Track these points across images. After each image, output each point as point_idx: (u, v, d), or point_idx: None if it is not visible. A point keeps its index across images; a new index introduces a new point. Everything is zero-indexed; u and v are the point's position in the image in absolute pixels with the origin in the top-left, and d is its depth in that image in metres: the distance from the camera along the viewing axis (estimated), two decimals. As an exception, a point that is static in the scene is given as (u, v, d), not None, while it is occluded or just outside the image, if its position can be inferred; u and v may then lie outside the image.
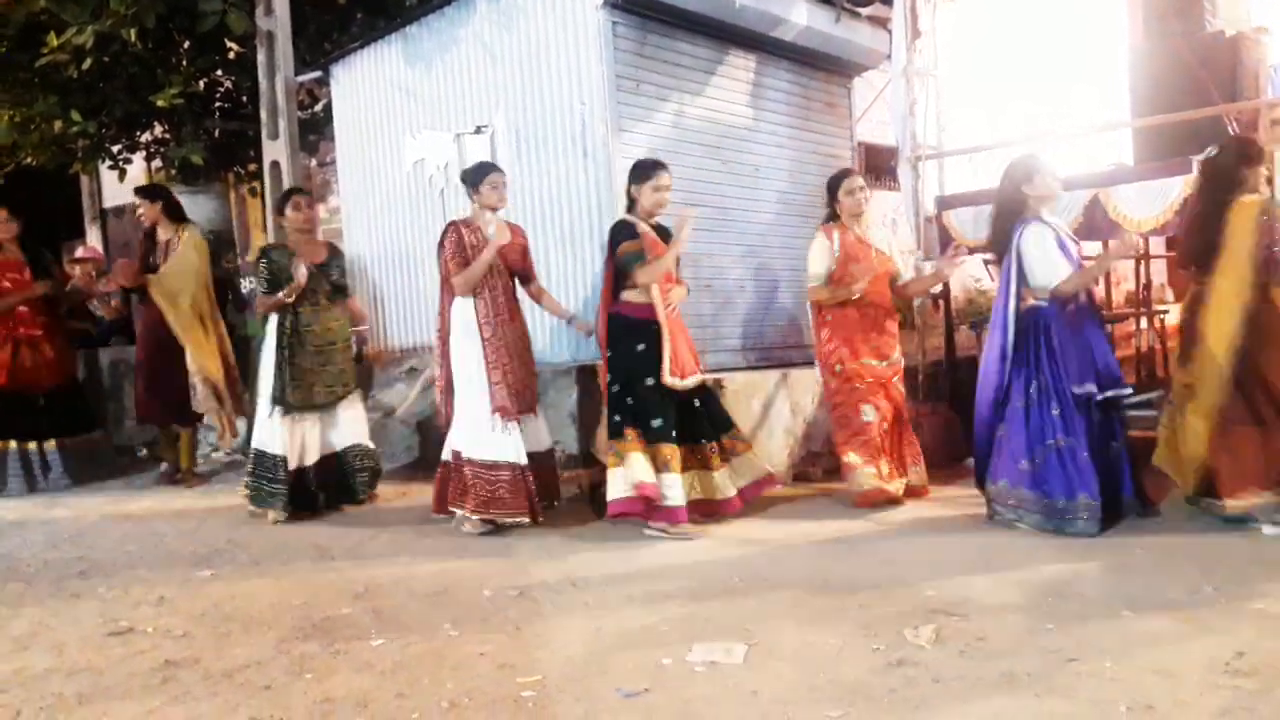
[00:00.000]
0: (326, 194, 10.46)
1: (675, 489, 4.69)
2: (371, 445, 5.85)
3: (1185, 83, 6.89)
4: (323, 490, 5.61)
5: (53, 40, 7.65)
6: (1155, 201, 5.72)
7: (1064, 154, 7.45)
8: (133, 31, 7.58)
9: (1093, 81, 9.35)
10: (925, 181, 6.81)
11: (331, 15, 8.87)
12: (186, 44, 8.73)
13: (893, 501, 5.19)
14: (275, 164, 7.81)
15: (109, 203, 13.35)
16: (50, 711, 2.81)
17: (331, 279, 5.70)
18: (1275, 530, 4.27)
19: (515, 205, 6.56)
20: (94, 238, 13.06)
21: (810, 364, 6.84)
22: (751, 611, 3.46)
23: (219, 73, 9.23)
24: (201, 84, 8.95)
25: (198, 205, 9.85)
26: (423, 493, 5.91)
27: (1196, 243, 4.65)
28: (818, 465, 6.22)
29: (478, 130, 6.75)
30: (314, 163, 10.21)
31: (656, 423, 4.74)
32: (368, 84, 7.38)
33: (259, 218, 8.48)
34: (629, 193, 5.08)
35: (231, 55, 8.90)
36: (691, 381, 4.89)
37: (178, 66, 8.55)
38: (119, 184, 10.07)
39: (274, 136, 7.77)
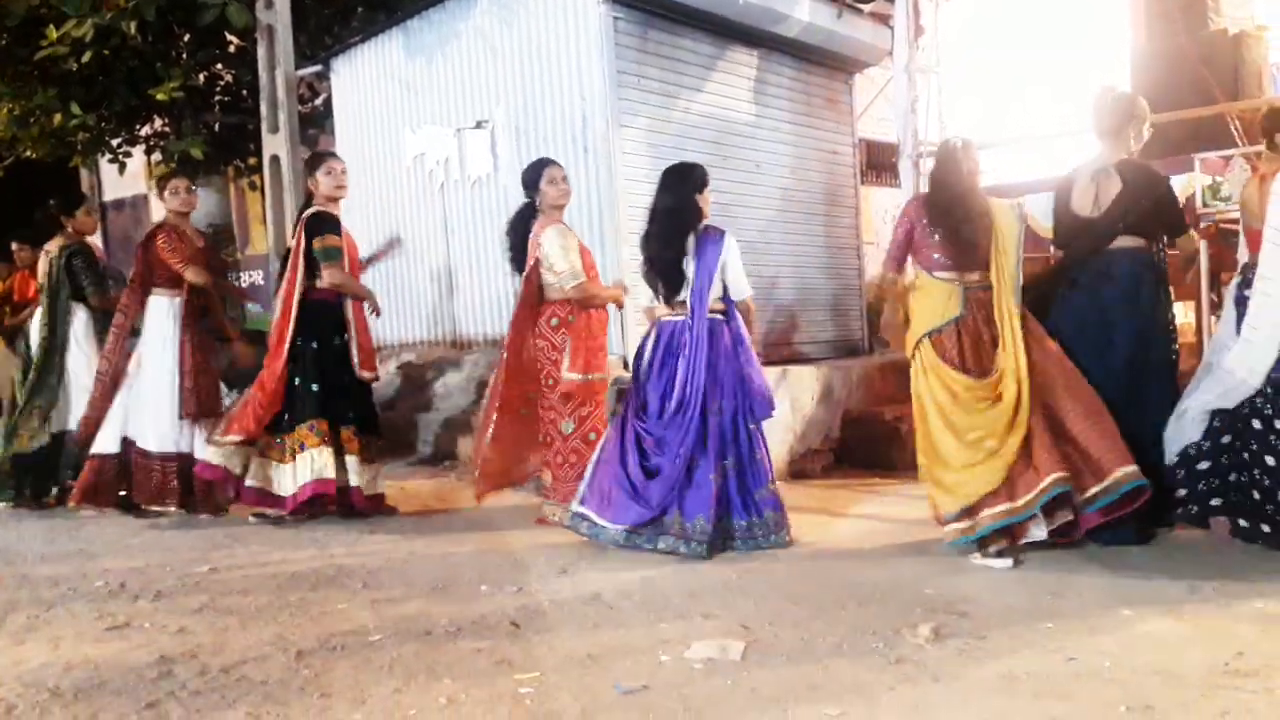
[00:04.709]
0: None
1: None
2: None
3: (1188, 81, 6.89)
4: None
5: (52, 33, 7.64)
6: None
7: (1066, 152, 7.42)
8: (132, 24, 7.57)
9: (1096, 79, 9.34)
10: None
11: (332, 9, 8.86)
12: (186, 37, 8.73)
13: None
14: (275, 158, 7.80)
15: (109, 196, 13.34)
16: (46, 706, 2.79)
17: None
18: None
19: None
20: (94, 231, 13.03)
21: (810, 360, 6.85)
22: (750, 609, 3.45)
23: (219, 66, 9.23)
24: (201, 78, 8.95)
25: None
26: (419, 488, 5.91)
27: (956, 234, 4.32)
28: (816, 462, 6.22)
29: (478, 125, 6.75)
30: (314, 157, 10.19)
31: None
32: (368, 78, 7.37)
33: (259, 211, 8.48)
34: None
35: (232, 49, 8.90)
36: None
37: (178, 60, 8.55)
38: (119, 177, 10.05)
39: (274, 130, 7.76)
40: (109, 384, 5.50)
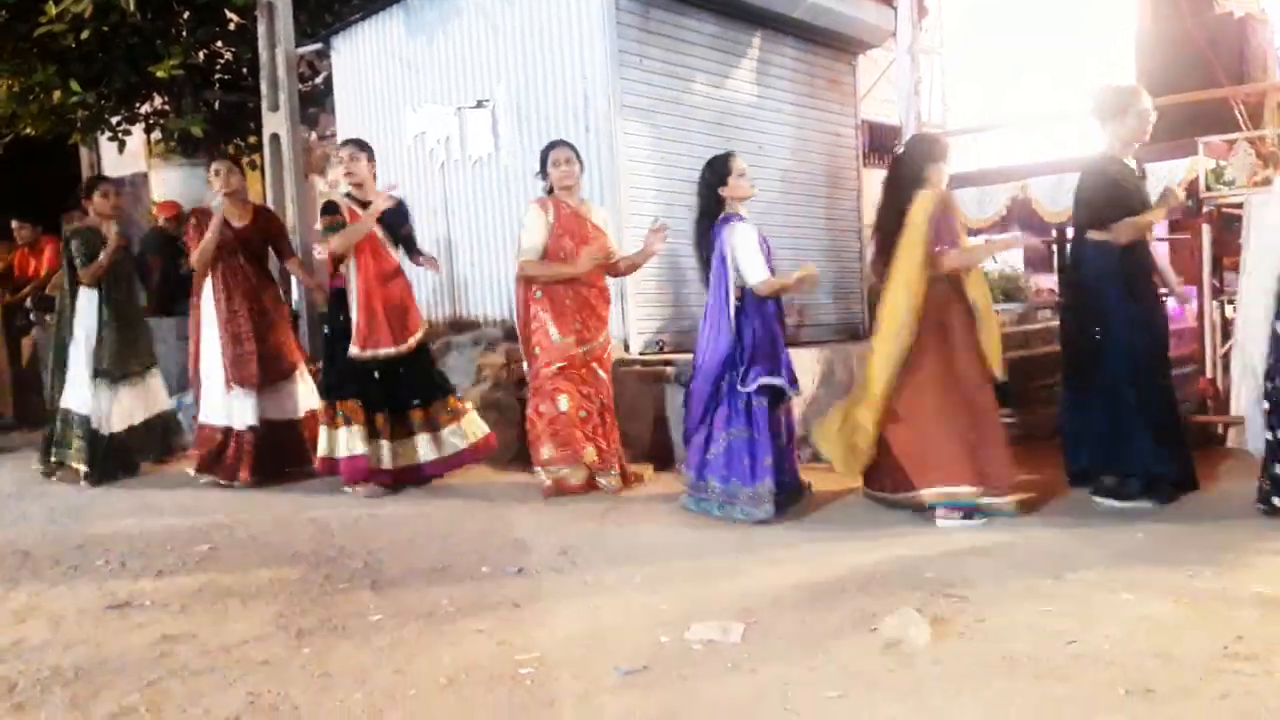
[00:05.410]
0: (326, 167, 10.40)
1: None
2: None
3: (1193, 64, 6.86)
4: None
5: (51, 10, 7.58)
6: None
7: (1069, 135, 7.40)
8: (131, 1, 7.51)
9: (1101, 62, 9.31)
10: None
11: (333, -14, 8.79)
12: (186, 14, 8.66)
13: (589, 488, 5.14)
14: (275, 136, 7.76)
15: (108, 174, 13.26)
16: (47, 684, 2.80)
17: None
18: (948, 523, 4.32)
19: (516, 181, 6.54)
20: (93, 209, 13.01)
21: (808, 344, 6.84)
22: (750, 591, 3.46)
23: (219, 44, 9.16)
24: (201, 55, 8.89)
25: (196, 178, 9.83)
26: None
27: (881, 238, 4.64)
28: (809, 447, 6.21)
29: (479, 104, 6.71)
30: (314, 135, 10.16)
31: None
32: (369, 56, 7.32)
33: (259, 190, 8.43)
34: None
35: (232, 26, 8.83)
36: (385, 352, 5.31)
37: (177, 37, 8.48)
38: (118, 155, 10.00)
39: (274, 109, 7.71)
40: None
